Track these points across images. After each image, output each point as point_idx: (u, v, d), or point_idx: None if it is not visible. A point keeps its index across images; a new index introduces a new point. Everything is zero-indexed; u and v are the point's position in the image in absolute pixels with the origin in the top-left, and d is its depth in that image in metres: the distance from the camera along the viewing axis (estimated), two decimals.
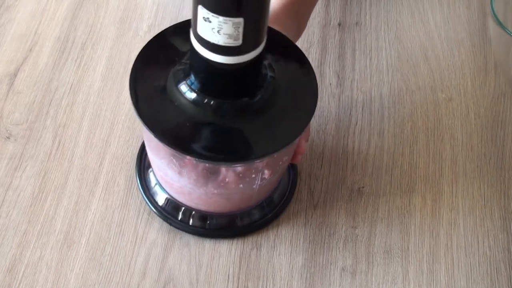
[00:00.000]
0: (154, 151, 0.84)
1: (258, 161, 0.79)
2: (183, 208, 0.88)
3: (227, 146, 0.76)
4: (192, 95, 0.76)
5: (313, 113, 0.79)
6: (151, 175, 0.91)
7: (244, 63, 0.73)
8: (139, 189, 0.91)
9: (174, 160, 0.81)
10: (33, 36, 1.11)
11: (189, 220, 0.88)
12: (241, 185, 0.83)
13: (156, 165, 0.86)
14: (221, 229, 0.88)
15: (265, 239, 0.88)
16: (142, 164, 0.93)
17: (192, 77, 0.76)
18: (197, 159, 0.76)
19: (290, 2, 0.95)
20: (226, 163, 0.78)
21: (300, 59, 0.83)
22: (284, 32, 0.88)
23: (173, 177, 0.83)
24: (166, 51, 0.81)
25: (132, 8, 1.14)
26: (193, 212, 0.88)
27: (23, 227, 0.89)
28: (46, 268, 0.85)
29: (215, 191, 0.83)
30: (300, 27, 0.97)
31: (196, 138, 0.76)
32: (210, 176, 0.81)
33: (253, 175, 0.82)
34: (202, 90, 0.76)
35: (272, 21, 0.90)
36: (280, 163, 0.84)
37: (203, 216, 0.88)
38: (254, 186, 0.84)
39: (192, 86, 0.76)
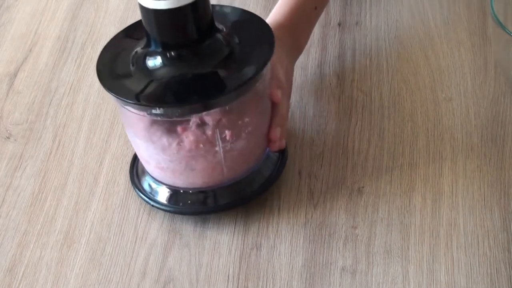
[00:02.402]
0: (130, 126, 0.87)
1: (224, 106, 0.83)
2: (176, 191, 0.90)
3: (191, 93, 0.82)
4: (158, 61, 0.83)
5: (269, 59, 0.84)
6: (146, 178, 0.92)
7: (185, 6, 0.80)
8: (137, 192, 0.92)
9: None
10: (33, 36, 1.11)
11: (180, 203, 0.90)
12: (201, 145, 0.84)
13: (133, 143, 0.89)
14: (202, 205, 0.90)
15: (265, 239, 0.88)
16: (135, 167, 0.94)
17: (152, 45, 0.83)
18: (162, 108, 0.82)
19: (286, 19, 0.96)
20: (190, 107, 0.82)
21: (257, 21, 0.90)
22: (280, 48, 0.91)
23: (143, 147, 0.87)
24: (125, 44, 0.89)
25: (132, 8, 1.14)
26: (181, 191, 0.90)
27: (23, 227, 0.89)
28: (46, 268, 0.85)
29: (178, 155, 0.85)
30: (299, 44, 0.99)
31: (163, 91, 0.83)
32: (171, 134, 0.84)
33: (210, 132, 0.83)
34: (163, 47, 0.83)
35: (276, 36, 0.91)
36: (240, 122, 0.84)
37: (178, 194, 0.90)
38: (217, 149, 0.84)
39: (156, 50, 0.83)
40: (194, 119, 0.83)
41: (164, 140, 0.84)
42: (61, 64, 1.06)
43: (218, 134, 0.84)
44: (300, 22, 0.98)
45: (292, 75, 0.96)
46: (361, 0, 1.15)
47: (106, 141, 0.98)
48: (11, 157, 0.96)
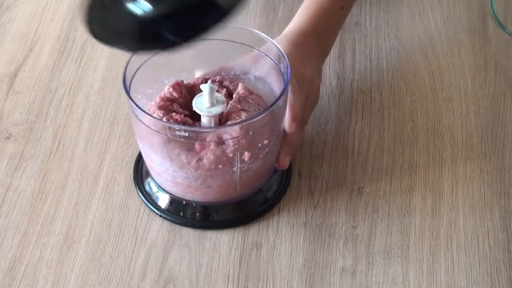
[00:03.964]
0: (144, 139, 0.86)
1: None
2: (178, 201, 0.90)
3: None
4: None
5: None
6: (151, 182, 0.92)
7: None
8: (139, 194, 0.92)
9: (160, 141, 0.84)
10: (33, 36, 1.11)
11: (180, 213, 0.90)
12: (220, 166, 0.83)
13: (146, 156, 0.88)
14: (206, 221, 0.90)
15: (265, 239, 0.88)
16: (140, 168, 0.94)
17: None
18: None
19: (311, 24, 0.94)
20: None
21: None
22: (310, 57, 0.91)
23: (158, 162, 0.85)
24: None
25: None
26: (184, 203, 0.89)
27: (23, 227, 0.89)
28: (46, 268, 0.85)
29: (196, 173, 0.84)
30: (325, 46, 0.97)
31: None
32: (190, 152, 0.83)
33: (231, 154, 0.83)
34: None
35: (299, 44, 0.90)
36: (260, 145, 0.84)
37: (194, 208, 0.89)
38: (235, 169, 0.84)
39: None
40: (211, 136, 0.83)
41: (183, 157, 0.84)
42: (61, 64, 1.06)
43: (238, 155, 0.84)
44: (326, 24, 0.96)
45: (319, 79, 0.94)
46: (361, 0, 1.15)
47: (106, 141, 0.98)
48: (11, 157, 0.96)
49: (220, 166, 0.84)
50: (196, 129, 0.85)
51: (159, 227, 0.89)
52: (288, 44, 0.90)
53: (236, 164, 0.84)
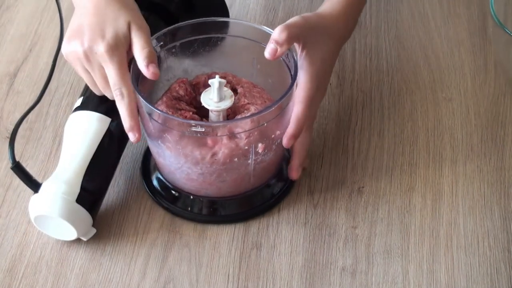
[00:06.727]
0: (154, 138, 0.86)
1: None
2: (185, 196, 0.90)
3: None
4: None
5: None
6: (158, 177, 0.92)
7: None
8: (146, 189, 0.92)
9: (169, 137, 0.84)
10: (33, 36, 1.11)
11: (188, 208, 0.90)
12: (235, 159, 0.83)
13: (158, 154, 0.88)
14: (213, 215, 0.90)
15: (265, 239, 0.88)
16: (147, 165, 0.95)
17: None
18: None
19: (341, 7, 0.91)
20: None
21: None
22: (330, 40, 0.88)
23: (172, 159, 0.85)
24: None
25: None
26: (192, 198, 0.90)
27: (23, 227, 0.89)
28: (46, 268, 0.85)
29: (211, 168, 0.84)
30: (350, 29, 0.94)
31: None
32: (204, 147, 0.83)
33: (246, 147, 0.83)
34: None
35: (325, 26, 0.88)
36: (273, 136, 0.85)
37: (201, 203, 0.90)
38: (249, 161, 0.85)
39: None
40: (226, 130, 0.83)
41: (197, 153, 0.84)
42: (61, 64, 1.06)
43: (252, 148, 0.84)
44: (353, 7, 0.92)
45: (332, 65, 0.90)
46: None
47: None
48: None
49: (236, 159, 0.84)
50: (213, 124, 0.85)
51: (159, 227, 0.89)
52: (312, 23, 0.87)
53: (250, 156, 0.84)
